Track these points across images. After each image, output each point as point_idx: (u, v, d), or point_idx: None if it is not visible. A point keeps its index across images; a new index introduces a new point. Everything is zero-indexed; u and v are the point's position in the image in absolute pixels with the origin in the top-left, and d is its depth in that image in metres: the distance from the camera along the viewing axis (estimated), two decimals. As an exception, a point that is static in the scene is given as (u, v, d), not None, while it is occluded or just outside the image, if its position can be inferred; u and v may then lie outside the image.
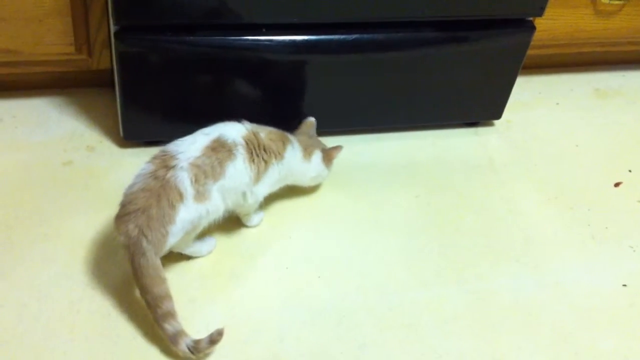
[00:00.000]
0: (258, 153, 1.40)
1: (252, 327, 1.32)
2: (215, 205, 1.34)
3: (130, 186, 1.30)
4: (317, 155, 1.55)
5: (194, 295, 1.36)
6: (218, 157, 1.34)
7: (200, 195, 1.30)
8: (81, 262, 1.39)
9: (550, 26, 1.93)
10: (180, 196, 1.28)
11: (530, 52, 1.78)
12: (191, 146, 1.34)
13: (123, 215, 1.27)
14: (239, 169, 1.36)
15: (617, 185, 1.78)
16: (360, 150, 1.79)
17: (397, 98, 1.76)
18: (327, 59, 1.65)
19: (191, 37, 1.52)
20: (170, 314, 1.23)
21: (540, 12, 1.70)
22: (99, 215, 1.49)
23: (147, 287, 1.24)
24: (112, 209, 1.47)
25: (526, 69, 2.07)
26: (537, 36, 1.77)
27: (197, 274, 1.40)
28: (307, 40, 1.59)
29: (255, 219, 1.53)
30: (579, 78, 2.20)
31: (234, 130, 1.39)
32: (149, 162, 1.32)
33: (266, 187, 1.46)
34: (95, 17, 1.63)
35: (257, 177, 1.41)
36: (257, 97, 1.66)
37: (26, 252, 1.40)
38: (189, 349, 1.22)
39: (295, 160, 1.50)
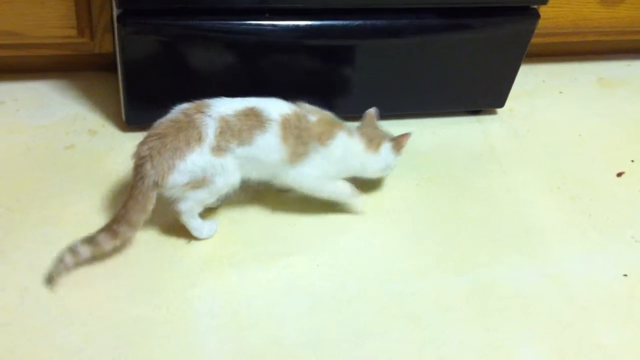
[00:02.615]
0: (295, 134, 1.38)
1: (252, 313, 1.32)
2: (228, 169, 1.33)
3: (164, 117, 1.33)
4: (385, 146, 1.52)
5: (194, 280, 1.36)
6: (248, 124, 1.34)
7: (219, 150, 1.31)
8: (82, 246, 1.39)
9: (554, 14, 1.92)
10: (199, 138, 1.29)
11: (534, 40, 1.77)
12: (227, 104, 1.36)
13: (146, 136, 1.32)
14: (269, 143, 1.36)
15: (619, 175, 1.78)
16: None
17: (399, 85, 1.76)
18: (329, 45, 1.64)
19: (194, 21, 1.52)
20: (113, 234, 1.29)
21: (544, 0, 1.69)
22: (100, 199, 1.49)
23: (128, 207, 1.28)
24: (114, 193, 1.47)
25: (530, 57, 2.05)
26: (542, 24, 1.76)
27: (198, 259, 1.40)
28: (310, 26, 1.59)
29: (346, 192, 1.50)
30: (583, 67, 2.19)
31: (274, 106, 1.39)
32: (188, 103, 1.35)
33: (313, 170, 1.42)
34: (97, 0, 1.62)
35: (294, 159, 1.39)
36: (259, 81, 1.65)
37: (28, 235, 1.40)
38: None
39: (354, 151, 1.47)
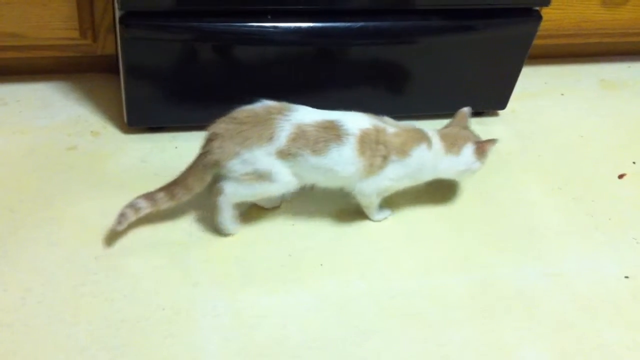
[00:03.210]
0: (372, 147, 1.40)
1: (256, 312, 1.32)
2: (285, 174, 1.37)
3: (250, 106, 1.38)
4: (468, 148, 1.51)
5: (197, 279, 1.36)
6: (325, 136, 1.36)
7: (288, 154, 1.34)
8: (85, 247, 1.39)
9: (557, 16, 1.92)
10: (270, 138, 1.33)
11: (536, 42, 1.77)
12: (307, 114, 1.39)
13: (227, 116, 1.37)
14: (344, 156, 1.38)
15: (621, 176, 1.78)
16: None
17: (401, 87, 1.76)
18: (332, 47, 1.64)
19: (196, 23, 1.52)
20: (170, 195, 1.37)
21: (547, 1, 1.70)
22: (102, 200, 1.49)
23: (188, 173, 1.37)
24: (116, 194, 1.47)
25: (532, 59, 2.06)
26: (544, 26, 1.76)
27: (201, 258, 1.41)
28: (312, 27, 1.59)
29: (378, 214, 1.54)
30: (585, 69, 2.19)
31: (354, 120, 1.41)
32: (277, 102, 1.39)
33: (386, 182, 1.45)
34: (100, 1, 1.63)
35: (370, 171, 1.41)
36: (261, 83, 1.65)
37: (30, 236, 1.40)
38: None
39: (433, 156, 1.48)
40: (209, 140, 1.36)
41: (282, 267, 1.42)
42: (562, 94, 2.08)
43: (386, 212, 1.56)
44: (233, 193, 1.40)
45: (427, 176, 1.52)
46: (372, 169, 1.41)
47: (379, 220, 1.55)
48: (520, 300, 1.41)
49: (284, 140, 1.34)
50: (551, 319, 1.39)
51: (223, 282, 1.37)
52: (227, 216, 1.43)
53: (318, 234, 1.50)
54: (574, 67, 2.20)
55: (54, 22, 1.62)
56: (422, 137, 1.47)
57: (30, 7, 1.58)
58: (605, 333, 1.37)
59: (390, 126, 1.44)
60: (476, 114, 1.91)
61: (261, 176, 1.36)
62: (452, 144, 1.51)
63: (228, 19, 1.53)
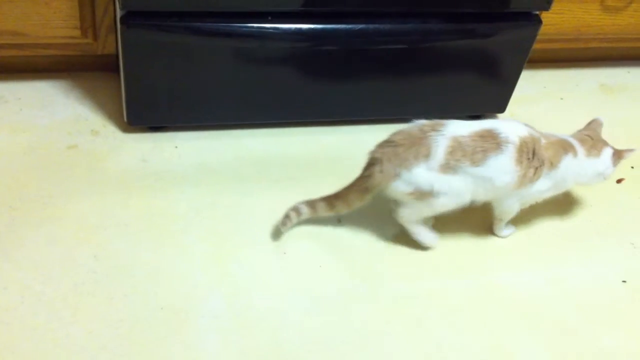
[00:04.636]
0: (529, 157, 1.40)
1: (254, 313, 1.32)
2: (456, 188, 1.38)
3: (404, 128, 1.41)
4: (607, 152, 1.53)
5: (197, 280, 1.36)
6: (484, 146, 1.37)
7: (448, 168, 1.36)
8: (85, 245, 1.39)
9: (557, 20, 1.92)
10: (427, 155, 1.36)
11: (536, 46, 1.77)
12: (462, 126, 1.40)
13: (385, 140, 1.41)
14: (502, 164, 1.38)
15: (619, 181, 1.78)
16: (363, 140, 1.78)
17: (401, 89, 1.76)
18: (332, 49, 1.64)
19: (197, 24, 1.52)
20: (330, 206, 1.44)
21: (547, 6, 1.70)
22: (102, 199, 1.49)
23: (351, 189, 1.42)
24: (116, 193, 1.48)
25: (532, 63, 2.06)
26: (544, 30, 1.76)
27: (200, 259, 1.41)
28: (312, 29, 1.59)
29: (506, 230, 1.56)
30: (585, 73, 2.20)
31: (512, 128, 1.40)
32: (428, 120, 1.42)
33: (535, 194, 1.47)
34: (101, 1, 1.63)
35: (522, 182, 1.41)
36: (261, 84, 1.66)
37: (30, 234, 1.40)
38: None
39: (576, 163, 1.49)
40: (369, 165, 1.40)
41: (282, 268, 1.42)
42: (562, 99, 2.08)
43: (511, 229, 1.57)
44: (408, 214, 1.45)
45: (569, 185, 1.53)
46: (523, 181, 1.41)
47: (506, 237, 1.57)
48: (519, 304, 1.42)
49: (441, 155, 1.35)
50: (550, 324, 1.39)
51: (222, 283, 1.37)
52: (418, 232, 1.48)
53: (319, 235, 1.50)
54: (573, 71, 2.20)
55: (55, 21, 1.62)
56: (569, 147, 1.48)
57: (32, 6, 1.58)
58: (605, 337, 1.38)
59: (541, 136, 1.44)
60: (475, 117, 1.92)
61: (424, 194, 1.38)
62: (592, 147, 1.52)
63: (228, 19, 1.54)
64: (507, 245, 1.55)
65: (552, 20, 1.89)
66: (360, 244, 1.50)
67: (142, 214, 1.48)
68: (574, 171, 1.49)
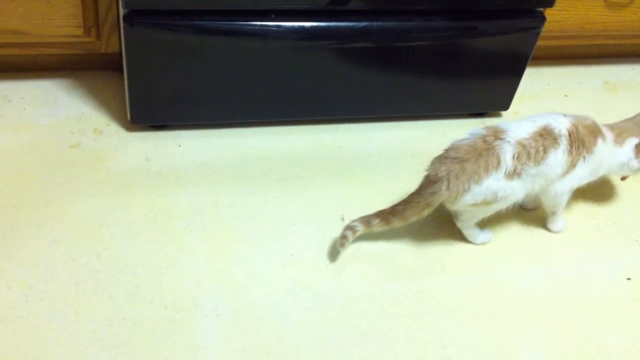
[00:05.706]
0: (577, 146, 1.42)
1: (257, 312, 1.32)
2: (516, 191, 1.40)
3: (460, 140, 1.41)
4: (631, 141, 1.53)
5: (199, 279, 1.36)
6: (544, 144, 1.38)
7: (514, 174, 1.37)
8: (87, 244, 1.39)
9: (560, 17, 1.91)
10: (498, 164, 1.36)
11: (540, 43, 1.77)
12: (520, 128, 1.41)
13: (443, 156, 1.40)
14: (558, 158, 1.40)
15: (623, 179, 1.77)
16: (366, 138, 1.78)
17: (403, 86, 1.76)
18: (335, 46, 1.64)
19: (200, 22, 1.52)
20: (386, 222, 1.41)
21: (551, 2, 1.69)
22: (105, 198, 1.49)
23: (408, 206, 1.40)
24: (119, 192, 1.48)
25: (535, 60, 2.06)
26: (547, 27, 1.76)
27: (203, 257, 1.41)
28: (315, 27, 1.59)
29: (559, 223, 1.57)
30: (589, 70, 2.19)
31: (560, 121, 1.43)
32: (482, 127, 1.42)
33: (574, 181, 1.47)
34: (104, -1, 1.63)
35: (567, 170, 1.43)
36: (264, 82, 1.66)
37: (32, 234, 1.40)
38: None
39: (608, 148, 1.50)
40: (432, 182, 1.38)
41: (284, 266, 1.42)
42: (566, 95, 2.07)
43: (564, 223, 1.59)
44: (468, 219, 1.48)
45: (603, 170, 1.53)
46: (569, 169, 1.43)
47: (559, 231, 1.58)
48: (522, 302, 1.42)
49: (510, 162, 1.36)
50: (552, 321, 1.39)
51: (224, 282, 1.37)
52: (472, 233, 1.51)
53: (320, 234, 1.50)
54: (577, 68, 2.19)
55: (58, 20, 1.62)
56: (598, 131, 1.49)
57: (35, 5, 1.58)
58: (607, 335, 1.37)
59: (579, 122, 1.45)
60: (479, 114, 1.92)
61: (488, 202, 1.39)
62: (619, 134, 1.52)
63: (232, 17, 1.53)
64: (510, 243, 1.55)
65: (555, 17, 1.88)
66: (363, 244, 1.49)
67: (144, 213, 1.48)
68: (607, 157, 1.50)
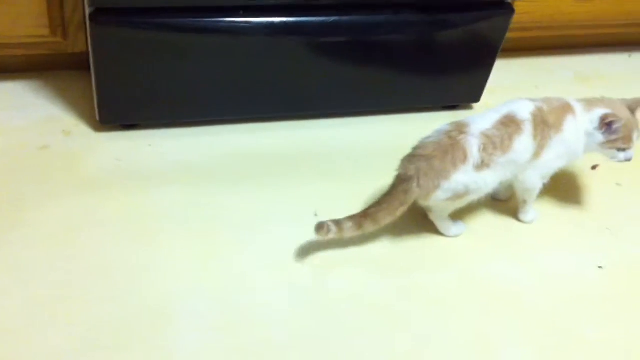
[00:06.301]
0: (542, 128, 1.43)
1: (242, 311, 1.31)
2: (488, 181, 1.41)
3: (426, 137, 1.42)
4: (597, 111, 1.48)
5: (176, 279, 1.35)
6: (508, 132, 1.40)
7: (483, 165, 1.38)
8: (61, 247, 1.37)
9: (530, 9, 1.93)
10: (465, 158, 1.37)
11: (510, 35, 1.78)
12: (483, 119, 1.42)
13: (411, 155, 1.41)
14: (524, 143, 1.41)
15: (594, 168, 1.79)
16: (339, 133, 1.78)
17: (375, 81, 1.76)
18: (305, 42, 1.63)
19: (167, 19, 1.51)
20: (358, 226, 1.37)
21: (520, -6, 1.71)
22: (76, 200, 1.47)
23: (380, 208, 1.38)
24: (91, 193, 1.45)
25: (506, 52, 2.06)
26: (517, 19, 1.77)
27: (180, 258, 1.39)
28: (284, 22, 1.58)
29: (530, 214, 1.58)
30: (559, 61, 2.21)
31: (522, 107, 1.45)
32: (447, 124, 1.42)
33: (550, 164, 1.48)
34: (70, -2, 1.61)
35: (537, 153, 1.44)
36: (235, 80, 1.64)
37: (4, 238, 1.38)
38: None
39: (580, 124, 1.48)
40: (401, 182, 1.38)
41: (269, 265, 1.41)
42: (536, 87, 2.09)
43: (536, 214, 1.59)
44: (440, 212, 1.48)
45: (581, 148, 1.51)
46: (537, 152, 1.44)
47: (531, 222, 1.59)
48: (500, 296, 1.42)
49: (477, 154, 1.37)
50: (531, 313, 1.40)
51: (202, 282, 1.36)
52: (445, 225, 1.51)
53: (301, 233, 1.49)
54: (547, 59, 2.21)
55: (23, 20, 1.59)
56: (569, 108, 1.49)
57: (-1, 5, 1.56)
58: (585, 324, 1.39)
59: (544, 104, 1.47)
60: (450, 107, 1.92)
61: (460, 195, 1.40)
62: (589, 104, 1.51)
63: (199, 14, 1.52)
64: (484, 235, 1.55)
65: (525, 9, 1.90)
66: (344, 244, 1.48)
67: (118, 214, 1.46)
68: (581, 131, 1.49)
